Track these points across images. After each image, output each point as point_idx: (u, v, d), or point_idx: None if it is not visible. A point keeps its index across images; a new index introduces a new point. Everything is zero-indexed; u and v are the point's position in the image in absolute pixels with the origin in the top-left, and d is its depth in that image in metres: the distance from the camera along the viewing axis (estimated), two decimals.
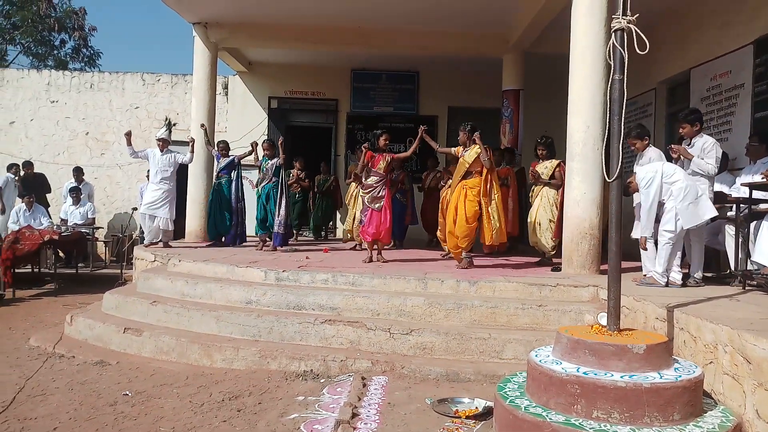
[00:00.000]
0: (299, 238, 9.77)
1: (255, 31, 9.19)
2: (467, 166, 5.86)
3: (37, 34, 19.60)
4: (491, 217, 5.81)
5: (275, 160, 7.51)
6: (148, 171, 8.22)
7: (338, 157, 11.65)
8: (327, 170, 10.43)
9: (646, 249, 4.76)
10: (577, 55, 5.36)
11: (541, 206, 6.17)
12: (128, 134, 7.73)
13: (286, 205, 7.41)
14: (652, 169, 4.65)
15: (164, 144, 7.81)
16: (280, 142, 7.57)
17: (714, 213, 4.54)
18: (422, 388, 3.79)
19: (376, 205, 6.21)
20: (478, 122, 6.48)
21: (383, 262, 6.24)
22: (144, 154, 7.86)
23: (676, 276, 4.64)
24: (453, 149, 6.25)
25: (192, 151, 7.99)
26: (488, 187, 5.86)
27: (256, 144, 7.97)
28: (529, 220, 6.35)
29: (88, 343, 5.00)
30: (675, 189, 4.49)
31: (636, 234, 4.84)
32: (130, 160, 10.71)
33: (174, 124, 8.37)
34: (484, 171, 5.86)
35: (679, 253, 4.68)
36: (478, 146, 5.80)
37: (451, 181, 7.23)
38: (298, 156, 9.96)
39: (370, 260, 6.28)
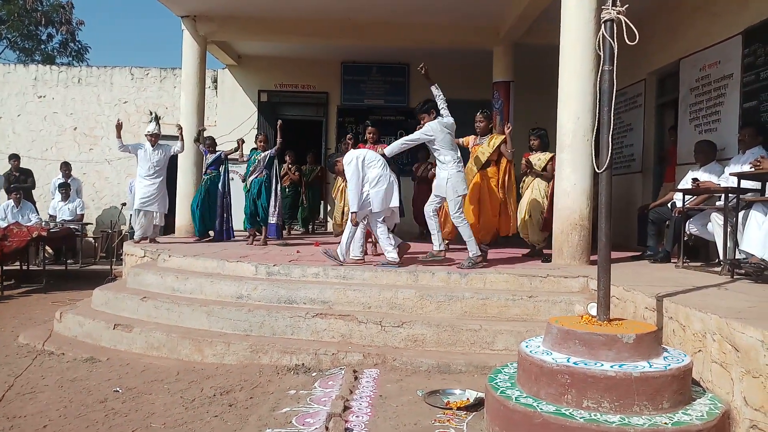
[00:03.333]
0: (291, 232, 9.75)
1: (244, 24, 9.12)
2: (488, 155, 5.77)
3: (23, 28, 19.37)
4: (509, 208, 5.80)
5: (268, 152, 7.44)
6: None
7: (329, 151, 11.61)
8: (313, 160, 10.43)
9: (356, 225, 5.28)
10: (567, 46, 5.35)
11: (532, 198, 6.16)
12: (119, 125, 7.61)
13: (281, 195, 7.37)
14: (355, 153, 5.26)
15: (156, 138, 7.74)
16: (278, 125, 7.46)
17: (397, 203, 5.27)
18: (414, 380, 3.80)
19: None
20: (468, 114, 6.46)
21: (375, 255, 6.23)
22: (134, 148, 7.80)
23: (357, 253, 5.37)
24: (461, 140, 6.16)
25: (182, 140, 7.93)
26: (507, 177, 5.79)
27: (243, 141, 7.90)
28: (519, 211, 6.33)
29: (78, 339, 4.97)
30: (371, 175, 5.16)
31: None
32: (119, 155, 10.63)
33: (159, 118, 8.27)
34: (504, 161, 5.78)
35: (362, 234, 5.42)
36: (502, 136, 5.85)
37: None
38: (289, 149, 9.93)
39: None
